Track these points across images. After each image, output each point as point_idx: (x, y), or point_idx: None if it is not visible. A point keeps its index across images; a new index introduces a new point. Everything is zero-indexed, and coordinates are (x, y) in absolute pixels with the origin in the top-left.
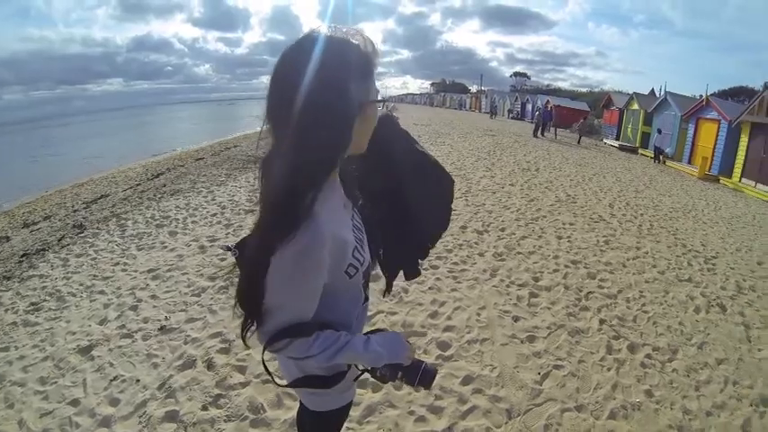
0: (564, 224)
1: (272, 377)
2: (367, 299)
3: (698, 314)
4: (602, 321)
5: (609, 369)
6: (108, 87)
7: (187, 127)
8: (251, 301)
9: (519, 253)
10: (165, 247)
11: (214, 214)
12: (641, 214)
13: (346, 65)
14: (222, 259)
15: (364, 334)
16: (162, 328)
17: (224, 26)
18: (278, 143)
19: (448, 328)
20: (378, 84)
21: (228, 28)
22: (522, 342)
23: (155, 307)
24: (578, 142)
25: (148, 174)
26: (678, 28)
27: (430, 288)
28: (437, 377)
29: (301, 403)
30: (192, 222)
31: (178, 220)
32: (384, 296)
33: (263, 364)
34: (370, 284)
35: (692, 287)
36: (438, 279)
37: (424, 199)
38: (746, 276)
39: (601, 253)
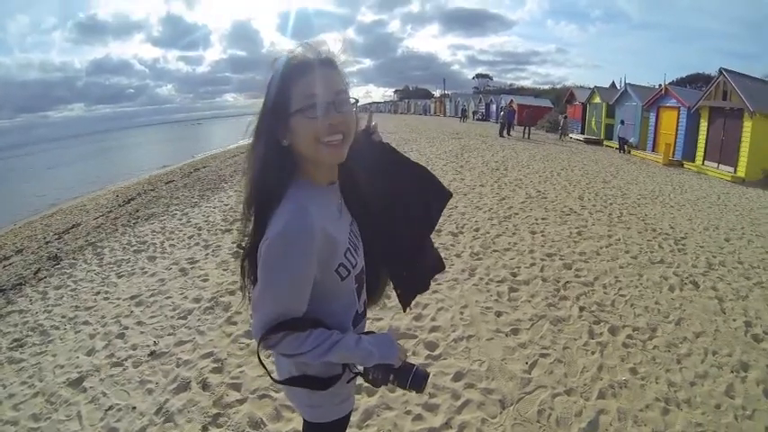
0: (536, 219)
1: (269, 373)
2: (364, 313)
3: (672, 293)
4: (581, 308)
5: (593, 352)
6: (69, 113)
7: (154, 150)
8: None
9: (495, 251)
10: (146, 272)
11: (191, 236)
12: (610, 204)
13: (269, 89)
14: (204, 280)
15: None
16: (152, 354)
17: (184, 45)
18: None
19: (434, 329)
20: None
21: (189, 46)
22: (506, 335)
23: (142, 333)
24: (560, 138)
25: (119, 200)
26: (634, 21)
27: None
28: (429, 379)
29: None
30: (170, 246)
31: (155, 244)
32: (405, 311)
33: (259, 358)
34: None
35: (664, 268)
36: None
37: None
38: (716, 253)
39: (574, 244)
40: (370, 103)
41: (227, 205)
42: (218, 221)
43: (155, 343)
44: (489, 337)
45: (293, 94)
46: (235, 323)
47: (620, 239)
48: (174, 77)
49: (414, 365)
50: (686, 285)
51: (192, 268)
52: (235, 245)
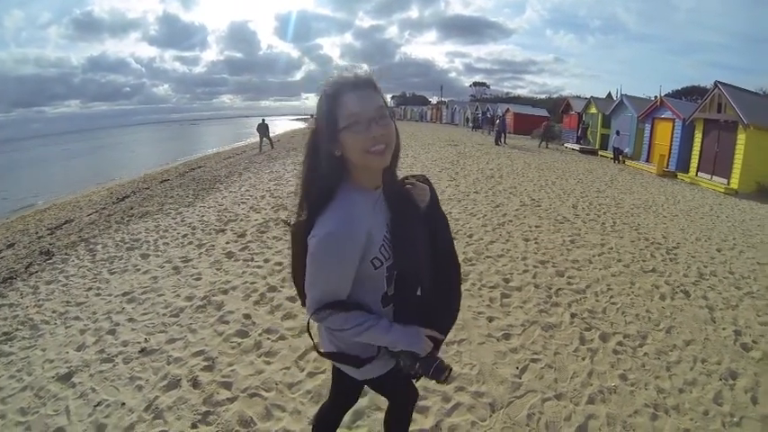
0: (530, 227)
1: (315, 345)
2: (390, 296)
3: (663, 301)
4: (573, 315)
5: (583, 358)
6: (65, 109)
7: (149, 149)
8: (297, 278)
9: (488, 257)
10: (138, 269)
11: (185, 235)
12: (604, 213)
13: (320, 111)
14: (197, 279)
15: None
16: (143, 351)
17: (181, 44)
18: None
19: None
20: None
21: (185, 46)
22: (498, 340)
23: (133, 330)
24: (539, 145)
25: (113, 197)
26: (633, 32)
27: None
28: (451, 373)
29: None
30: (164, 244)
31: (149, 242)
32: None
33: (308, 331)
34: None
35: (656, 277)
36: None
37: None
38: (707, 263)
39: (567, 252)
40: None
41: (221, 205)
42: (212, 221)
43: (146, 340)
44: (481, 341)
45: (339, 113)
46: (227, 322)
47: (612, 248)
48: (170, 77)
49: (438, 358)
50: (677, 294)
51: (185, 267)
52: (228, 243)
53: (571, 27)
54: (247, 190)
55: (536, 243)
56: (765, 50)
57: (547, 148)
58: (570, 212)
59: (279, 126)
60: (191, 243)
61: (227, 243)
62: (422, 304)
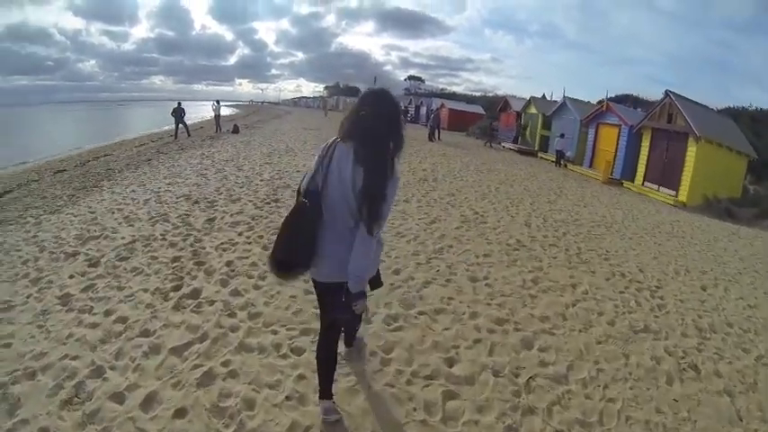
0: (477, 257)
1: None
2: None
3: (671, 387)
4: None
5: None
6: None
7: (65, 131)
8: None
9: (421, 313)
10: None
11: (26, 261)
12: (564, 233)
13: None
14: (5, 347)
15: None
16: None
17: (109, 17)
18: None
19: None
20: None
21: (114, 20)
22: None
23: None
24: (485, 145)
25: None
26: (570, 40)
27: (287, 398)
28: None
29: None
30: None
31: None
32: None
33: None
34: None
35: (651, 340)
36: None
37: None
38: (700, 311)
39: (531, 300)
40: (299, 98)
41: (92, 213)
42: (69, 238)
43: None
44: None
45: None
46: None
47: (587, 292)
48: (97, 53)
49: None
50: (685, 372)
51: None
52: (72, 278)
53: (510, 29)
54: (134, 190)
55: (487, 285)
56: (688, 69)
57: (491, 147)
58: (524, 233)
59: (209, 111)
60: (26, 276)
61: (71, 277)
62: None
